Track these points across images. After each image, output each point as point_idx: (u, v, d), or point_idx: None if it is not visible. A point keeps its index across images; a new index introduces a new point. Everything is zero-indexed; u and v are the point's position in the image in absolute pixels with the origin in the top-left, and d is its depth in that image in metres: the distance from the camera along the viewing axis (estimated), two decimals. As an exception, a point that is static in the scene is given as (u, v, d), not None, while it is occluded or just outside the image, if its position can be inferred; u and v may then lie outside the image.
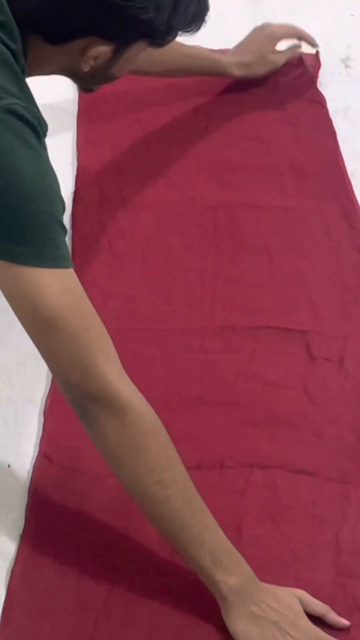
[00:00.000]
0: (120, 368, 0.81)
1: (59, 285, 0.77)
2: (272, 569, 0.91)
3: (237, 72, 1.40)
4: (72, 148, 1.38)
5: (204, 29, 1.50)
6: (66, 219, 1.01)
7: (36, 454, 1.02)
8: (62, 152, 1.35)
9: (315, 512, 0.97)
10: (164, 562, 0.93)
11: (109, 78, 0.97)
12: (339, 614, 0.88)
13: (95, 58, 0.89)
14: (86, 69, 0.91)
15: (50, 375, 1.07)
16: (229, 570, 0.82)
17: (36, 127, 0.78)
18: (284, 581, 0.90)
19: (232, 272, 1.21)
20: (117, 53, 0.90)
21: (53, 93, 1.38)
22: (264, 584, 0.85)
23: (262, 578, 0.87)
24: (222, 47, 1.47)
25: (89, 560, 0.93)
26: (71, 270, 0.79)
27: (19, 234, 0.75)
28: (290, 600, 0.84)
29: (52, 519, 0.97)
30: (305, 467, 1.00)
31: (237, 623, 0.82)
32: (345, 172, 1.32)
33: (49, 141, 0.84)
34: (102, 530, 0.96)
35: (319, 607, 0.86)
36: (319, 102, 1.43)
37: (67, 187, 1.29)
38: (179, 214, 1.28)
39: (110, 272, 1.20)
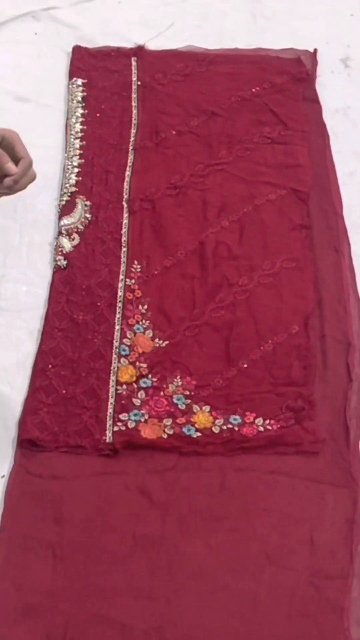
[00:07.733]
0: None
1: None
2: (247, 571, 0.93)
3: None
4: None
5: (204, 29, 1.50)
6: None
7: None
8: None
9: (291, 513, 0.97)
10: (138, 563, 0.94)
11: None
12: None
13: None
14: None
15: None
16: None
17: None
18: (259, 583, 0.92)
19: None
20: None
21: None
22: None
23: (238, 580, 0.91)
24: (222, 47, 1.47)
25: (63, 560, 0.94)
26: None
27: None
28: None
29: (27, 521, 0.97)
30: (280, 467, 1.01)
31: None
32: (334, 173, 1.31)
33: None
34: (77, 531, 0.96)
35: None
36: (316, 101, 1.42)
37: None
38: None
39: None
